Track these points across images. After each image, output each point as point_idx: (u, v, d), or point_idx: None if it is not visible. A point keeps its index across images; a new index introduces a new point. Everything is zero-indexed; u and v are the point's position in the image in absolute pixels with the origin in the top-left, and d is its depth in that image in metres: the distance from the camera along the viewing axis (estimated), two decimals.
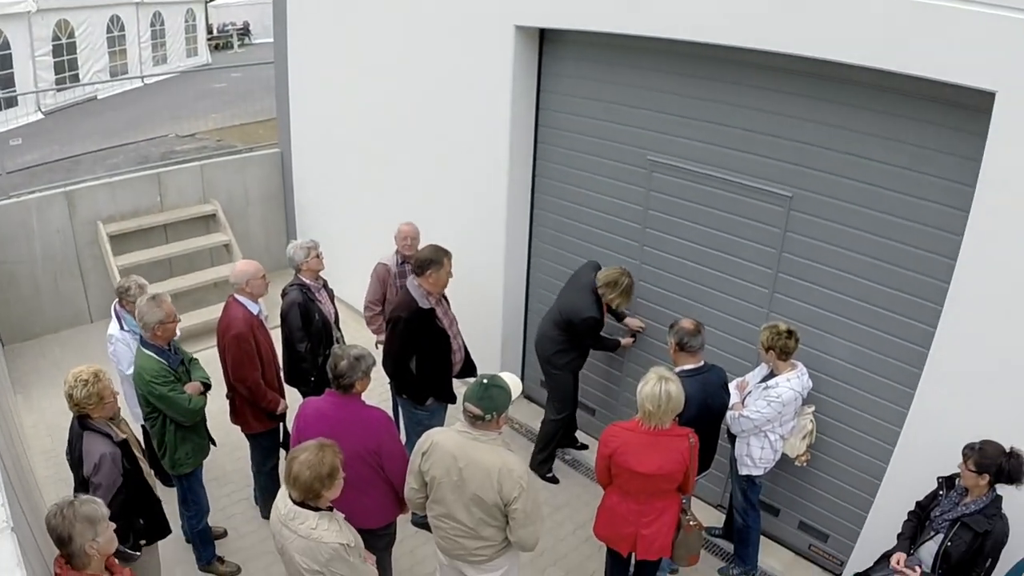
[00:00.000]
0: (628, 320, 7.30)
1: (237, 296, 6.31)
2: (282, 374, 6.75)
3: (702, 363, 5.79)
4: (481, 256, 8.22)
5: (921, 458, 5.36)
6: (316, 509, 4.28)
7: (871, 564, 5.40)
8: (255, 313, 6.32)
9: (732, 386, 6.16)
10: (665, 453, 5.05)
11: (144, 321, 5.57)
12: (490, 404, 4.57)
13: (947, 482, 5.09)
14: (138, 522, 5.20)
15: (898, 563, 5.08)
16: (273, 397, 6.36)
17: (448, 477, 4.68)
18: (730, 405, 6.04)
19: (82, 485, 4.97)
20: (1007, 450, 4.69)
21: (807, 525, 6.77)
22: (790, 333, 5.83)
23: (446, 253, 6.31)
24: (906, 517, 5.31)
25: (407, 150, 9.03)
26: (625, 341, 7.26)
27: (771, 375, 6.02)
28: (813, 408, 6.13)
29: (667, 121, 6.68)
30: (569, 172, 7.65)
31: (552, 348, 7.16)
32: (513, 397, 4.74)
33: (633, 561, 5.72)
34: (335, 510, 4.44)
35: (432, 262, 6.23)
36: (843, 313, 6.02)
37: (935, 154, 5.26)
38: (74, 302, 10.16)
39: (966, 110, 4.96)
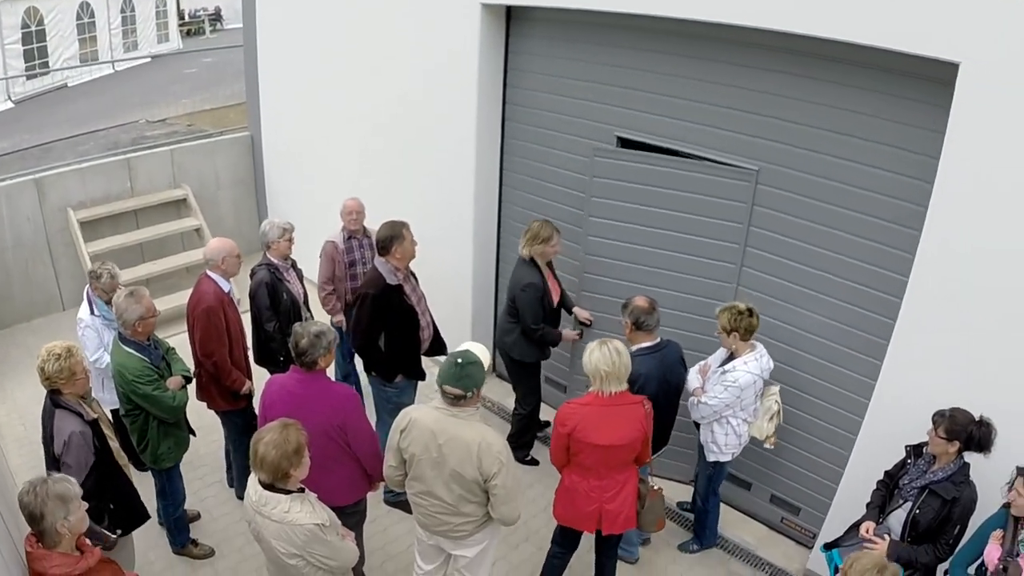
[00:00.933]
0: (576, 311, 7.16)
1: (210, 272, 6.27)
2: (251, 354, 6.73)
3: (658, 340, 5.80)
4: (450, 234, 8.22)
5: (889, 429, 5.41)
6: (287, 492, 4.26)
7: (841, 534, 5.44)
8: (226, 291, 6.29)
9: (694, 371, 6.15)
10: (623, 422, 5.08)
11: (124, 318, 5.51)
12: (469, 382, 4.58)
13: (915, 450, 5.14)
14: (109, 506, 5.18)
15: (867, 532, 5.12)
16: (238, 376, 6.31)
17: (427, 454, 4.69)
18: (691, 390, 6.05)
19: (53, 462, 4.97)
20: (977, 418, 4.74)
21: (779, 499, 6.83)
22: (750, 311, 5.73)
23: (403, 225, 6.28)
24: (875, 487, 5.36)
25: (375, 131, 9.00)
26: (567, 334, 7.07)
27: (730, 358, 5.95)
28: (778, 388, 6.07)
29: (634, 97, 6.67)
30: (538, 150, 7.64)
31: (507, 336, 7.10)
32: (485, 366, 4.76)
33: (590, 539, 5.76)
34: (306, 490, 4.43)
35: (393, 238, 6.21)
36: (810, 286, 6.06)
37: (900, 126, 5.29)
38: (46, 290, 10.08)
39: (930, 82, 4.98)
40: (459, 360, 4.60)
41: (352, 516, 5.39)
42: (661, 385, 5.68)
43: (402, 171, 8.80)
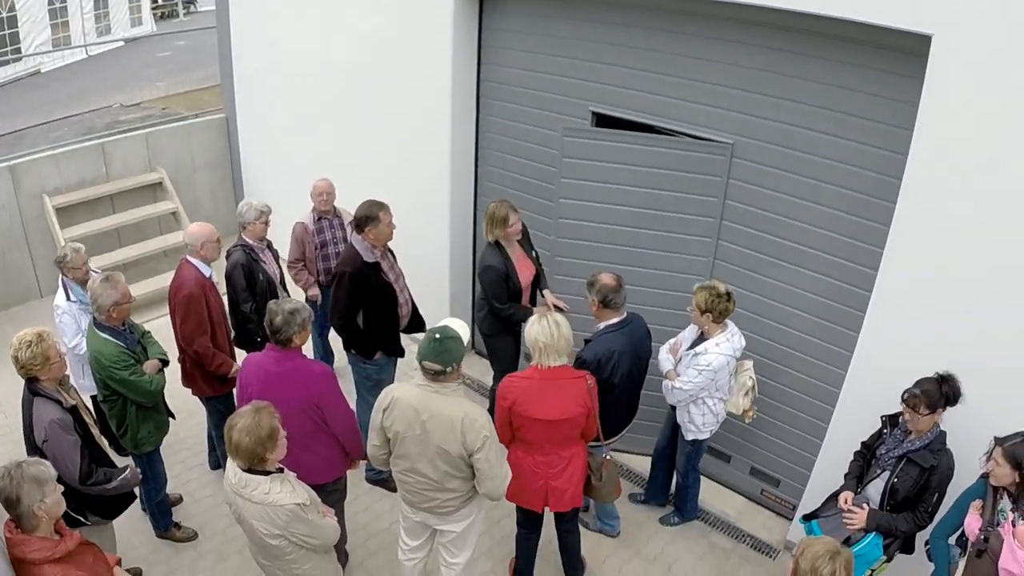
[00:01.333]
0: (546, 294, 6.99)
1: (190, 258, 6.23)
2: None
3: (625, 315, 5.77)
4: (427, 212, 8.20)
5: (866, 400, 5.46)
6: (266, 473, 4.26)
7: (819, 505, 5.50)
8: (207, 276, 6.25)
9: (664, 350, 6.14)
10: (565, 397, 5.08)
11: (98, 303, 5.46)
12: (448, 357, 4.60)
13: (891, 420, 5.18)
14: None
15: (846, 502, 5.18)
16: (224, 360, 6.29)
17: (411, 431, 4.71)
18: (664, 372, 6.05)
19: (34, 451, 4.95)
20: (938, 378, 4.81)
21: (758, 471, 6.90)
22: (728, 295, 5.63)
23: (381, 207, 6.25)
24: (853, 458, 5.41)
25: (350, 110, 8.96)
26: (538, 310, 6.62)
27: (701, 338, 5.90)
28: (751, 363, 6.07)
29: (609, 72, 6.66)
30: (514, 127, 7.62)
31: (479, 313, 7.09)
32: (464, 341, 4.78)
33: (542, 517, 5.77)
34: (285, 470, 4.43)
35: (368, 219, 6.18)
36: (787, 259, 6.10)
37: (873, 99, 5.31)
38: (23, 277, 9.99)
39: (903, 54, 5.00)
40: (437, 335, 4.62)
41: (332, 494, 5.40)
42: (634, 360, 5.69)
43: (377, 151, 8.76)
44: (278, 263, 7.07)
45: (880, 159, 5.35)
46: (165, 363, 5.97)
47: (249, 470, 4.24)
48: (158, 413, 5.99)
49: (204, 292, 6.16)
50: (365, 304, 6.30)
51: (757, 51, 5.76)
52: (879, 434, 5.27)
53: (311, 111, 9.57)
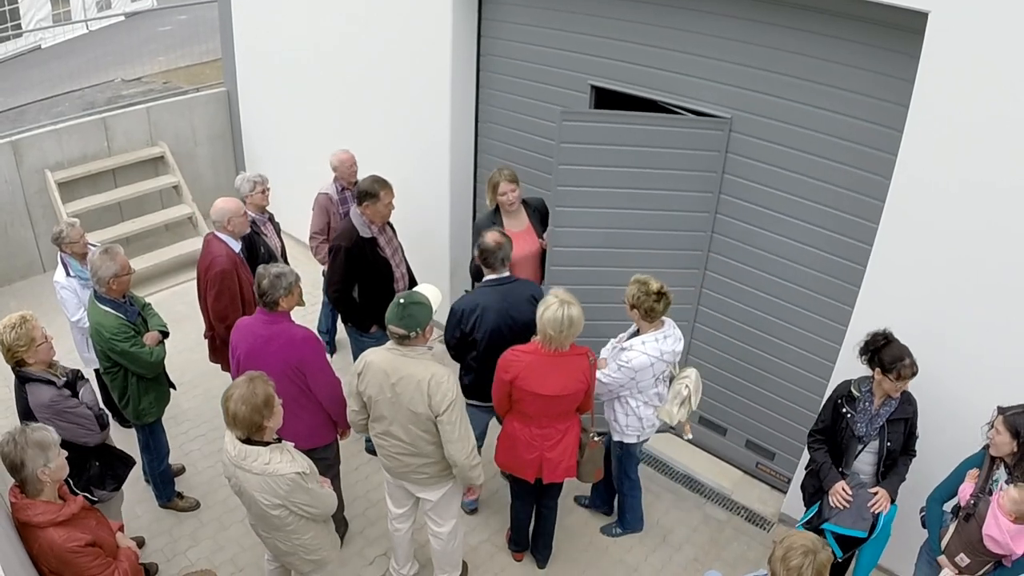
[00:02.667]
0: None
1: (218, 234, 6.27)
2: None
3: (506, 275, 5.77)
4: (427, 186, 8.24)
5: (860, 373, 5.39)
6: (264, 444, 4.32)
7: (814, 511, 5.43)
8: (236, 251, 6.29)
9: (613, 340, 5.87)
10: (567, 373, 5.12)
11: (98, 276, 5.50)
12: (411, 322, 4.69)
13: (847, 399, 5.22)
14: (93, 464, 5.25)
15: (844, 492, 5.18)
16: None
17: (383, 394, 4.82)
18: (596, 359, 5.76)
19: None
20: (893, 338, 4.98)
21: (754, 444, 6.96)
22: (660, 294, 5.32)
23: (384, 185, 6.29)
24: (814, 448, 5.43)
25: (350, 83, 8.95)
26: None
27: (637, 333, 5.62)
28: (695, 373, 5.74)
29: (609, 46, 6.66)
30: (513, 99, 7.63)
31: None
32: (435, 308, 4.86)
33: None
34: (283, 440, 4.49)
35: (368, 194, 6.24)
36: (784, 232, 6.12)
37: (871, 74, 5.32)
38: (26, 252, 10.04)
39: (900, 31, 5.02)
40: (401, 300, 4.75)
41: (321, 462, 5.40)
42: (502, 317, 5.66)
43: (378, 123, 8.77)
44: (280, 236, 7.09)
45: (877, 135, 5.37)
46: (165, 335, 6.01)
47: (248, 441, 4.30)
48: (159, 384, 6.04)
49: (236, 267, 6.21)
50: (360, 278, 6.37)
51: (756, 26, 5.76)
52: (837, 417, 5.27)
53: (312, 84, 9.56)
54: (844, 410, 5.21)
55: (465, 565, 5.97)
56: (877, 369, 4.98)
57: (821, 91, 5.59)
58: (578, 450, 5.57)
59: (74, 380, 5.23)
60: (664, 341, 5.47)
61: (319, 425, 5.49)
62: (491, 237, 5.70)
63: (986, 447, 4.73)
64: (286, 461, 4.32)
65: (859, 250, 5.63)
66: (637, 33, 6.44)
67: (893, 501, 5.16)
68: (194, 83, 12.44)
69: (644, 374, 5.46)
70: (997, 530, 4.41)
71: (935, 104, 4.80)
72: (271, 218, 7.01)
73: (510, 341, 5.45)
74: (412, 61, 8.03)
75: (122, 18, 21.76)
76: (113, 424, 5.96)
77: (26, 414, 4.99)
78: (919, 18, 4.72)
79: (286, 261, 7.03)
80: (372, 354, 4.91)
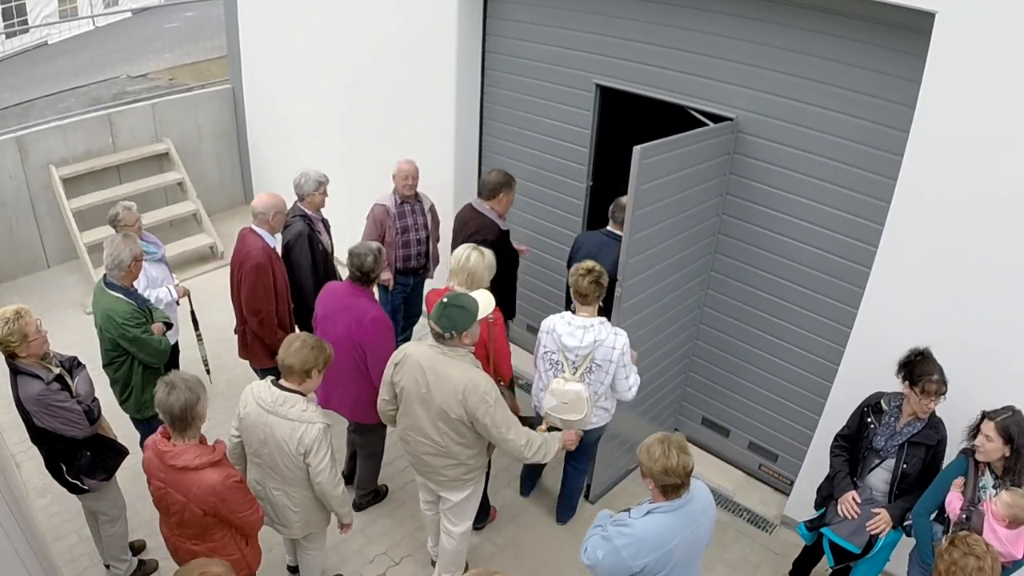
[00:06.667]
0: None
1: (255, 227, 6.26)
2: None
3: None
4: (431, 185, 8.10)
5: (865, 377, 5.45)
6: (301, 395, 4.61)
7: (821, 512, 5.42)
8: (272, 246, 6.28)
9: None
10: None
11: (120, 259, 5.51)
12: (448, 323, 4.69)
13: (874, 410, 5.14)
14: (84, 454, 5.24)
15: (854, 502, 5.11)
16: (282, 336, 6.20)
17: (416, 389, 4.83)
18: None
19: (31, 425, 5.05)
20: (931, 356, 4.85)
21: (757, 446, 6.94)
22: (590, 273, 5.25)
23: (512, 178, 6.73)
24: (835, 453, 5.35)
25: (356, 82, 8.96)
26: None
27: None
28: (585, 393, 5.30)
29: (614, 45, 6.65)
30: (518, 98, 7.63)
31: None
32: (480, 316, 4.81)
33: None
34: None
35: (504, 186, 6.64)
36: (788, 234, 6.09)
37: (878, 75, 5.30)
38: (30, 248, 10.03)
39: (907, 31, 4.99)
40: (445, 300, 4.75)
41: (365, 443, 6.04)
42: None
43: (382, 121, 8.78)
44: (330, 236, 6.99)
45: (883, 136, 5.34)
46: (169, 326, 6.02)
47: (284, 388, 4.61)
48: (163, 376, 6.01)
49: (271, 262, 6.21)
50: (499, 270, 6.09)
51: (763, 25, 5.74)
52: (862, 426, 5.19)
53: (316, 82, 9.57)
54: (868, 420, 5.13)
55: (467, 565, 5.97)
56: (906, 383, 4.88)
57: (827, 91, 5.56)
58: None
59: (70, 368, 5.23)
60: (565, 327, 5.39)
61: (365, 402, 5.62)
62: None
63: (964, 452, 4.69)
64: (318, 412, 4.64)
65: (864, 252, 5.60)
66: (643, 32, 6.42)
67: (897, 527, 5.05)
68: (200, 80, 12.46)
69: (544, 336, 5.53)
70: (995, 539, 4.34)
71: (941, 105, 4.78)
72: (322, 218, 6.93)
73: None
74: (417, 59, 8.03)
75: (129, 14, 21.85)
76: (119, 412, 5.97)
77: (17, 404, 5.02)
78: (926, 18, 4.69)
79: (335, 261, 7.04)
80: (412, 347, 4.95)
